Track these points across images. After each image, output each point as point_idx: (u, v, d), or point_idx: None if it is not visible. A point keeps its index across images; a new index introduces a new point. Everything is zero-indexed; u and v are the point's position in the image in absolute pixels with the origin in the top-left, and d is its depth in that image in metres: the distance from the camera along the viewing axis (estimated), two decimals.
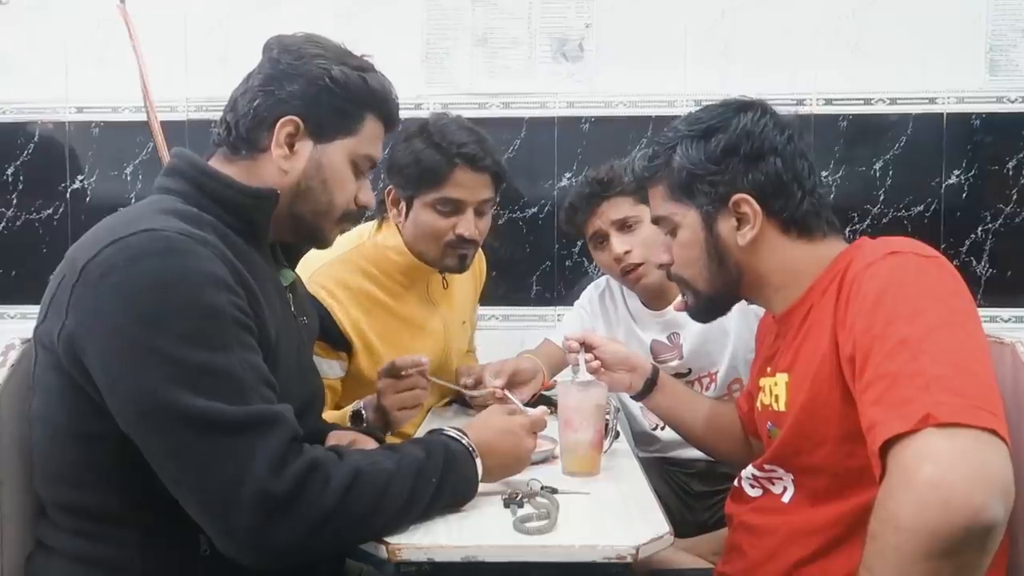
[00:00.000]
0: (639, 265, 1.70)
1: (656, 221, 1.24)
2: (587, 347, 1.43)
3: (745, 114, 1.14)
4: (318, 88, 1.08)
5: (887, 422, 0.84)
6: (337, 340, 1.52)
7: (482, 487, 1.14)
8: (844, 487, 1.02)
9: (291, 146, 1.08)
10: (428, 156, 1.52)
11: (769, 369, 1.17)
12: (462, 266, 1.61)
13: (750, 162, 1.12)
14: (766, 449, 1.17)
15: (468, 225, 1.55)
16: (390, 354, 1.57)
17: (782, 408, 1.12)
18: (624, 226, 1.71)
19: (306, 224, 1.13)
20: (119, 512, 0.96)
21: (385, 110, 1.14)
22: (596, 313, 1.86)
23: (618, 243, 1.71)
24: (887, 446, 0.83)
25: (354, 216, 1.17)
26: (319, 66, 1.08)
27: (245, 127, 1.08)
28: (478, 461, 1.08)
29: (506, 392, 1.54)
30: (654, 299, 1.78)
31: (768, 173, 1.11)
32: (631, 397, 1.48)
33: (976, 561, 0.78)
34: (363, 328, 1.55)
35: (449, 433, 1.10)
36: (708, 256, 1.16)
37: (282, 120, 1.07)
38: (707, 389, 1.75)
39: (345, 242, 1.63)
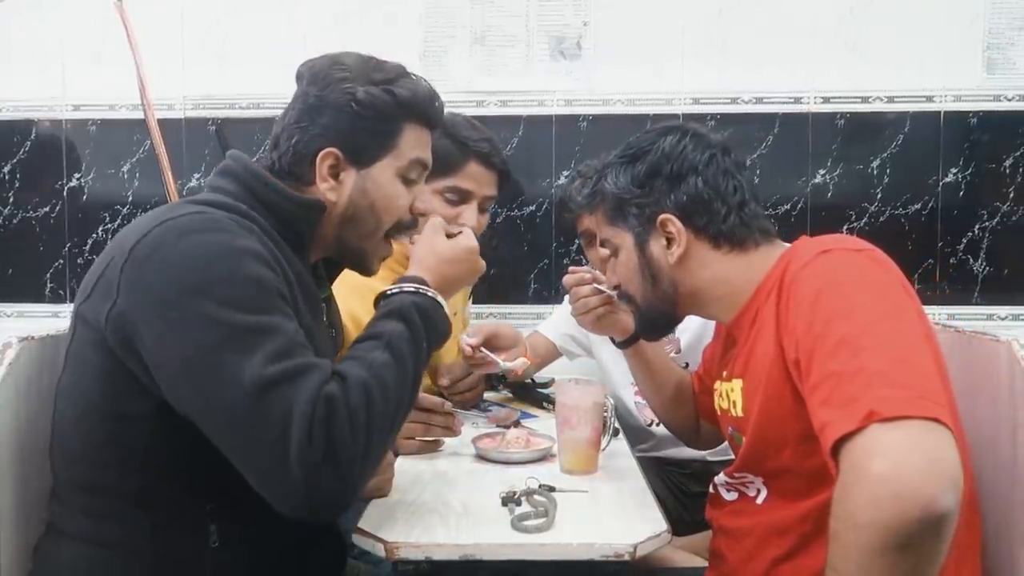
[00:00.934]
0: None
1: (603, 244, 1.28)
2: (596, 282, 1.43)
3: (666, 138, 1.19)
4: (348, 115, 1.07)
5: (835, 422, 0.85)
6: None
7: (478, 488, 1.14)
8: (812, 485, 1.03)
9: (336, 176, 1.09)
10: (443, 145, 1.55)
11: (725, 374, 1.19)
12: None
13: (672, 183, 1.16)
14: (733, 453, 1.18)
15: (472, 216, 1.59)
16: None
17: (740, 413, 1.14)
18: None
19: (350, 247, 1.14)
20: (135, 495, 0.96)
21: (422, 114, 1.13)
22: None
23: None
24: (838, 446, 0.84)
25: (407, 226, 1.17)
26: (344, 91, 1.07)
27: (287, 163, 1.09)
28: (445, 304, 1.09)
29: (483, 350, 1.52)
30: None
31: (689, 193, 1.15)
32: (618, 344, 1.45)
33: (933, 550, 0.79)
34: (359, 316, 1.56)
35: (406, 288, 1.08)
36: (643, 275, 1.20)
37: (321, 154, 1.07)
38: None
39: None
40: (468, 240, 1.17)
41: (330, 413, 0.89)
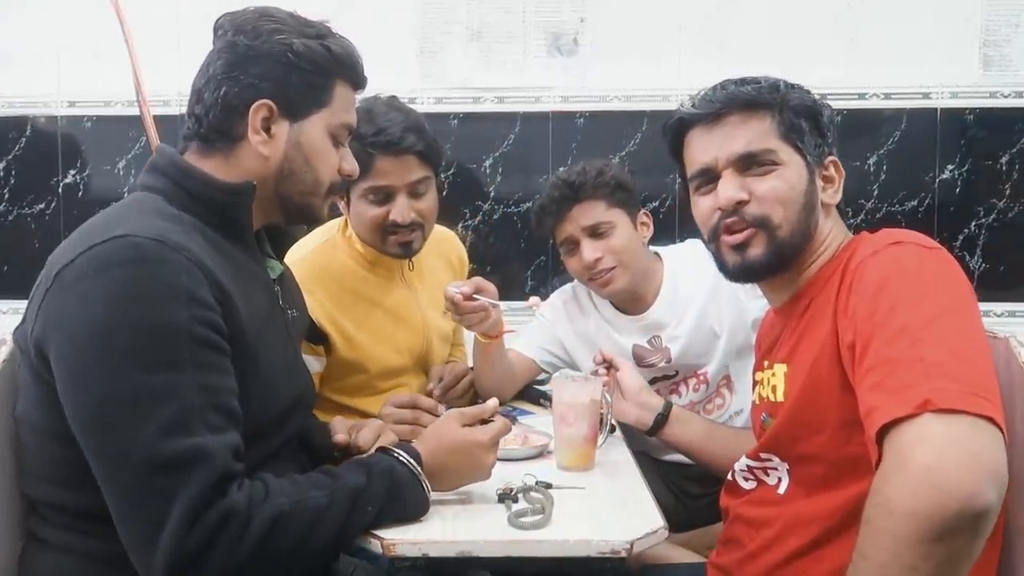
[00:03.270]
0: (610, 270, 1.65)
1: (751, 156, 1.12)
2: (611, 367, 1.45)
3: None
4: (283, 66, 1.04)
5: (885, 407, 0.85)
6: (313, 334, 1.52)
7: (475, 484, 1.13)
8: (840, 476, 1.02)
9: (268, 130, 1.06)
10: (352, 149, 1.51)
11: (766, 363, 1.18)
12: (406, 252, 1.59)
13: (834, 138, 1.18)
14: (758, 439, 1.17)
15: (400, 211, 1.54)
16: (371, 342, 1.58)
17: (779, 399, 1.12)
18: (595, 232, 1.65)
19: (295, 204, 1.11)
20: (105, 510, 0.95)
21: (352, 74, 1.12)
22: (562, 323, 1.80)
23: (589, 250, 1.65)
24: (884, 431, 0.84)
25: (340, 187, 1.16)
26: (280, 42, 1.04)
27: (216, 118, 1.05)
28: (426, 485, 1.06)
29: (478, 296, 1.48)
30: (628, 303, 1.73)
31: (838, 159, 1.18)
32: (647, 432, 1.46)
33: (968, 546, 0.79)
34: (339, 319, 1.55)
35: (398, 455, 1.06)
36: (804, 201, 1.11)
37: (255, 105, 1.04)
38: (695, 390, 1.72)
39: (315, 238, 1.64)
40: (480, 433, 1.11)
41: (225, 524, 0.89)
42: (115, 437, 0.88)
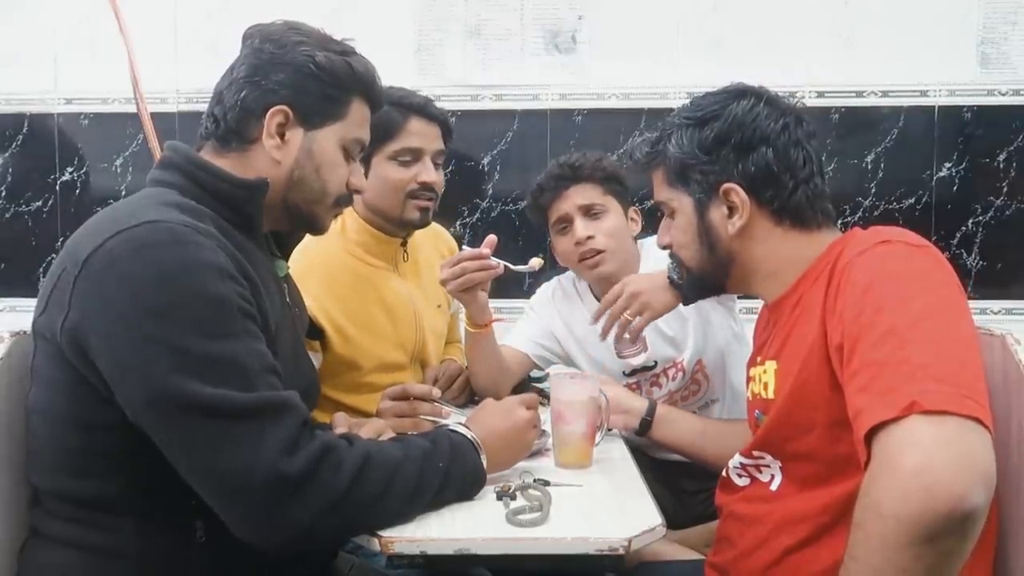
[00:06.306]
0: (599, 252, 1.69)
1: (657, 205, 1.26)
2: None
3: (739, 102, 1.14)
4: (304, 75, 1.08)
5: (873, 409, 0.85)
6: (310, 330, 1.52)
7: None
8: (832, 473, 1.02)
9: (282, 135, 1.08)
10: (382, 112, 1.53)
11: (759, 359, 1.18)
12: (424, 219, 1.61)
13: (740, 152, 1.13)
14: (754, 436, 1.17)
15: (429, 171, 1.58)
16: (364, 336, 1.58)
17: (770, 395, 1.12)
18: (590, 212, 1.71)
19: (300, 212, 1.13)
20: (116, 499, 0.97)
21: (370, 92, 1.15)
22: (554, 315, 1.82)
23: (582, 227, 1.69)
24: (872, 433, 0.84)
25: (346, 200, 1.18)
26: (303, 53, 1.08)
27: (234, 119, 1.08)
28: (482, 453, 1.10)
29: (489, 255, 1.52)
30: None
31: (758, 164, 1.12)
32: (636, 432, 1.47)
33: (958, 548, 0.79)
34: (333, 314, 1.55)
35: (451, 427, 1.12)
36: (700, 241, 1.18)
37: (272, 110, 1.07)
38: (674, 379, 1.74)
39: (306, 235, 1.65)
40: (520, 411, 1.19)
41: (324, 455, 0.92)
42: (190, 403, 0.88)
